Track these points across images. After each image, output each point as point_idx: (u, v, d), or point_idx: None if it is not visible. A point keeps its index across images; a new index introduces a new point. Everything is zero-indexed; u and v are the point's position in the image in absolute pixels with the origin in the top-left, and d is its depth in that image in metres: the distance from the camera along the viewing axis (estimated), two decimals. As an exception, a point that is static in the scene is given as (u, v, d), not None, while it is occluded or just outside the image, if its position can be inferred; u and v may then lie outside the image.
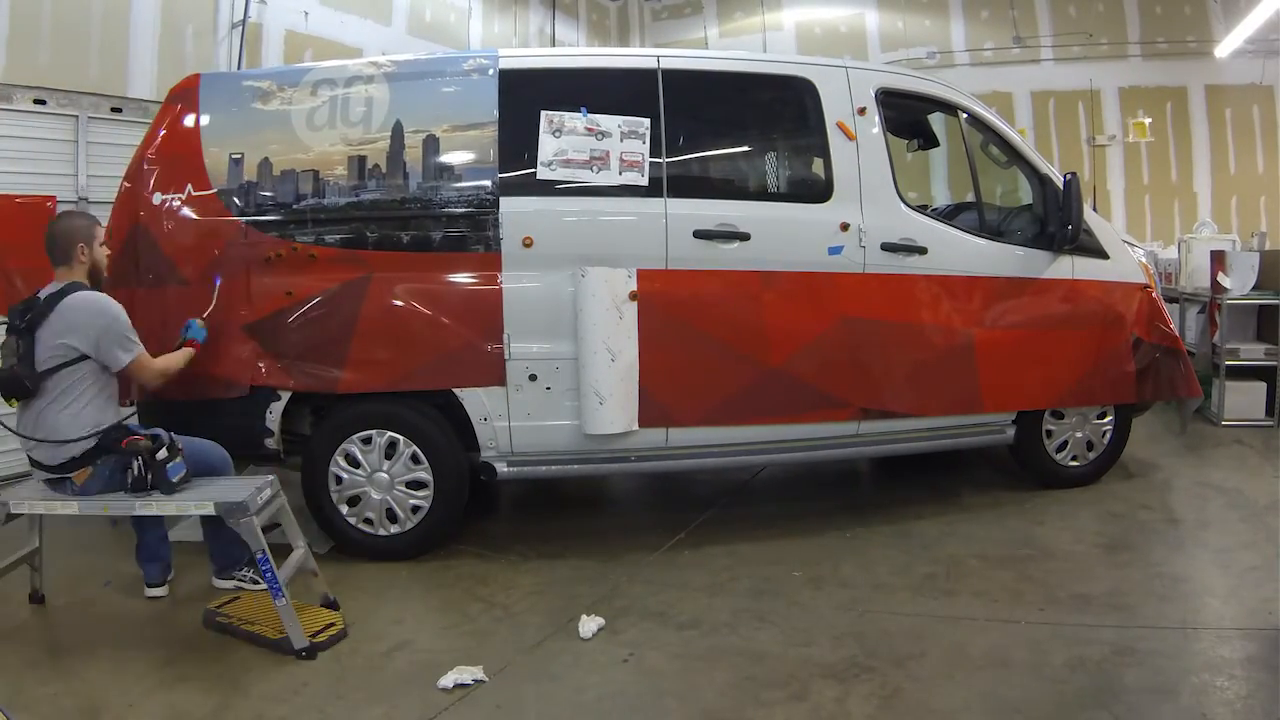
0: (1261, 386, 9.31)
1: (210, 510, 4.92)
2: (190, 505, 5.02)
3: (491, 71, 6.18)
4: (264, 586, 5.15)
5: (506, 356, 6.05)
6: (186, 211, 5.99)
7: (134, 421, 5.39)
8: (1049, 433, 7.16)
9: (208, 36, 9.50)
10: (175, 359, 5.43)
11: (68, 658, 4.79)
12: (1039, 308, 6.84)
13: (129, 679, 4.57)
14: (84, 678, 4.59)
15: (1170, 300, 9.65)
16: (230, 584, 5.61)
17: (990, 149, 7.11)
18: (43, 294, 5.14)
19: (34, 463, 5.19)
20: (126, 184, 6.14)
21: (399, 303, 6.01)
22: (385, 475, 6.09)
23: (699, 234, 6.17)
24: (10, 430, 5.19)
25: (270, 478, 5.25)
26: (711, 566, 5.98)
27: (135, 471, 4.98)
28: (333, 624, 5.04)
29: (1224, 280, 9.32)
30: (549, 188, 6.09)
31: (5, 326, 5.14)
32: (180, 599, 5.58)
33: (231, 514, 4.86)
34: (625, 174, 6.12)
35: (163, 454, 5.02)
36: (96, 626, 5.27)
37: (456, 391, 6.11)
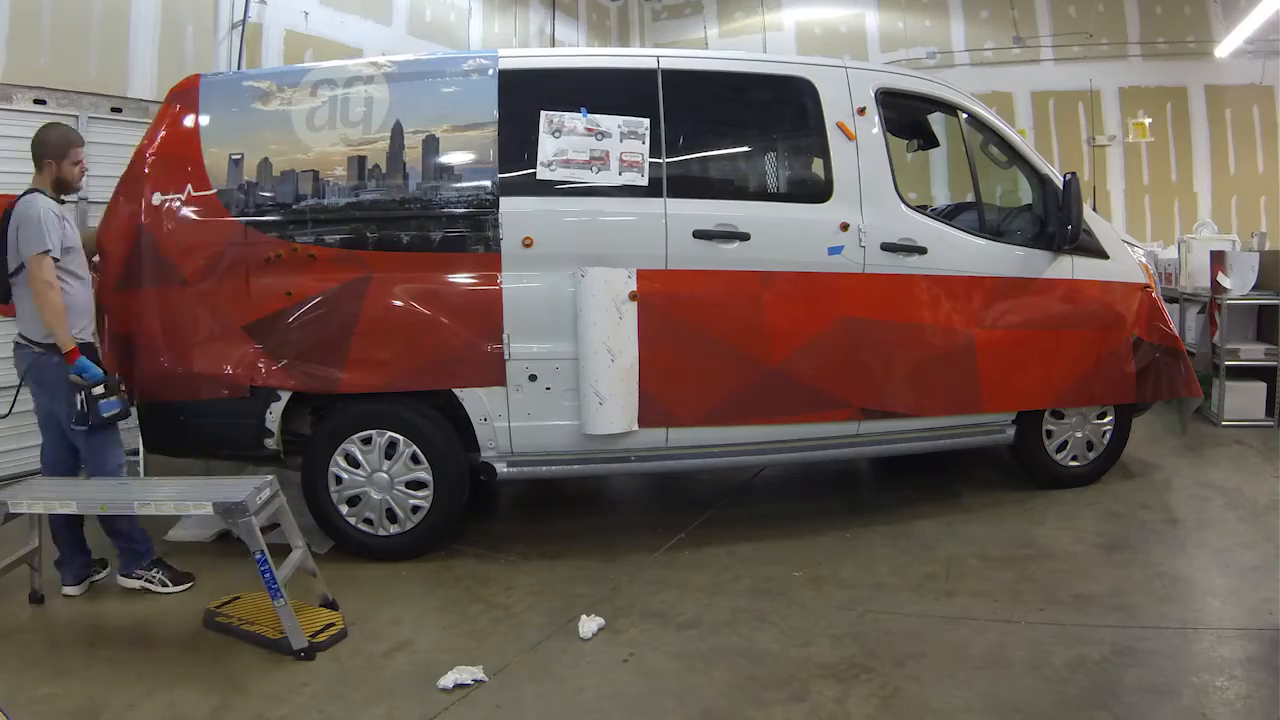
0: (1261, 386, 9.31)
1: (208, 510, 4.95)
2: (188, 505, 5.07)
3: (491, 72, 6.18)
4: (173, 589, 5.56)
5: (506, 356, 6.05)
6: (186, 212, 5.99)
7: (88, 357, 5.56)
8: (1049, 433, 7.16)
9: (208, 36, 9.49)
10: (54, 298, 5.37)
11: (67, 657, 4.79)
12: (1039, 308, 6.84)
13: (129, 679, 4.57)
14: (83, 678, 4.59)
15: (1170, 300, 9.65)
16: (136, 584, 5.67)
17: (990, 149, 7.11)
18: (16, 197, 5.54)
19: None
20: (125, 183, 6.14)
21: (399, 303, 6.01)
22: (385, 475, 6.09)
23: (699, 234, 6.17)
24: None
25: (269, 478, 5.25)
26: (711, 566, 5.98)
27: (79, 406, 5.35)
28: (332, 624, 5.04)
29: (1224, 280, 9.32)
30: (549, 188, 6.09)
31: None
32: (179, 599, 5.56)
33: (230, 514, 4.87)
34: (625, 174, 6.12)
35: (99, 390, 5.38)
36: (96, 626, 5.27)
37: (456, 391, 6.11)
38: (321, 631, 4.94)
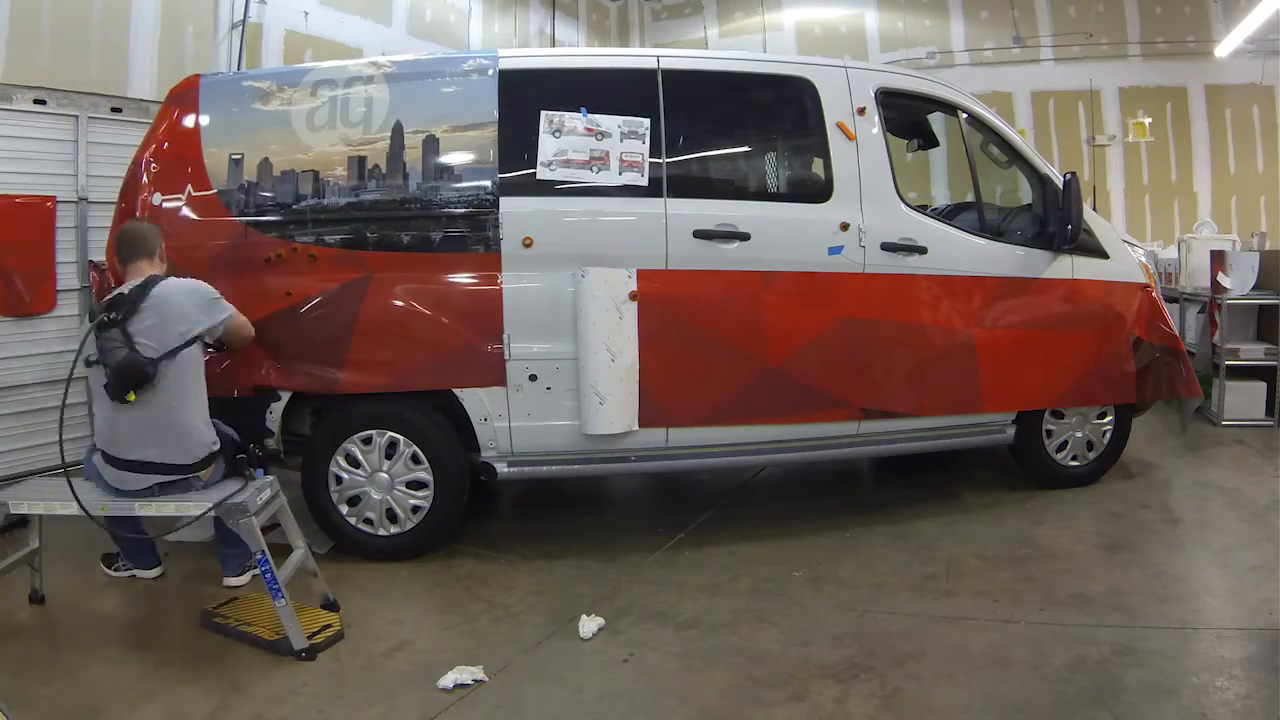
0: (1261, 386, 9.31)
1: (210, 511, 4.91)
2: (190, 506, 5.01)
3: (491, 72, 6.18)
4: (148, 574, 5.67)
5: (506, 357, 6.05)
6: (186, 212, 5.99)
7: None
8: (1049, 433, 7.16)
9: (208, 37, 9.49)
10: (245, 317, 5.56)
11: (67, 657, 4.79)
12: (1039, 307, 6.84)
13: (129, 679, 4.58)
14: (84, 678, 4.59)
15: (1170, 300, 9.65)
16: (245, 578, 5.63)
17: (990, 149, 7.11)
18: (126, 289, 5.15)
19: (139, 466, 5.03)
20: (127, 188, 6.14)
21: (399, 303, 6.01)
22: (385, 475, 6.10)
23: (699, 234, 6.17)
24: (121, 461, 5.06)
25: (270, 478, 5.26)
26: (711, 566, 5.98)
27: (248, 467, 5.22)
28: (329, 625, 5.04)
29: (1224, 280, 9.32)
30: (549, 188, 6.09)
31: (94, 324, 5.04)
32: (179, 598, 5.56)
33: (231, 514, 4.87)
34: (625, 174, 6.13)
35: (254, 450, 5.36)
36: (96, 626, 5.27)
37: (456, 392, 6.11)
38: (318, 632, 4.94)
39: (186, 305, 5.16)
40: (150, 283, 5.14)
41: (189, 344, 5.13)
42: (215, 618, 5.14)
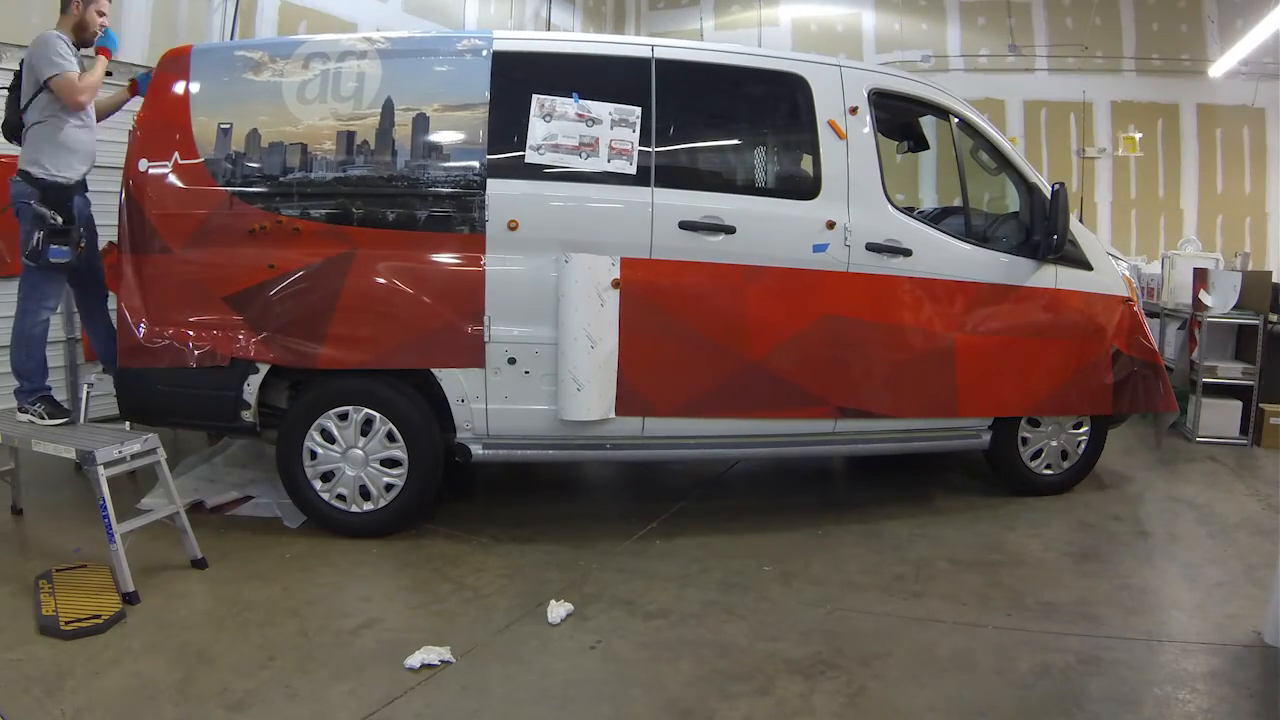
0: (1237, 405, 9.36)
1: (72, 455, 5.38)
2: (53, 446, 5.45)
3: (485, 53, 6.15)
4: (49, 422, 5.81)
5: (486, 339, 6.04)
6: (172, 179, 5.96)
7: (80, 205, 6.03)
8: (1024, 440, 7.18)
9: (202, 4, 9.45)
10: (92, 73, 5.90)
11: (31, 625, 4.74)
12: (1020, 315, 6.85)
13: (95, 647, 4.54)
14: (49, 643, 4.55)
15: (1151, 315, 9.69)
16: (24, 418, 5.87)
17: (980, 155, 7.11)
18: None
19: None
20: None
21: (381, 280, 5.99)
22: (360, 452, 6.08)
23: (684, 225, 6.16)
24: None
25: (147, 436, 5.48)
26: (682, 557, 5.99)
27: (35, 242, 5.69)
28: (98, 616, 4.77)
29: (1205, 298, 9.37)
30: (537, 171, 6.07)
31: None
32: (151, 571, 5.52)
33: (84, 461, 5.19)
34: (613, 161, 6.11)
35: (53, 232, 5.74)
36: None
37: (435, 371, 6.10)
38: (82, 620, 4.72)
39: (33, 54, 5.75)
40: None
41: (38, 93, 5.76)
42: (43, 579, 5.20)
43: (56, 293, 6.11)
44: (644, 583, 5.58)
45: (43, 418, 5.81)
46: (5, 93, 6.20)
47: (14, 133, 6.00)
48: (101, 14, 6.04)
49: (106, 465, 5.20)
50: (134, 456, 5.41)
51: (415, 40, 6.58)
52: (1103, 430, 7.38)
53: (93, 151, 6.07)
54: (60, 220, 5.72)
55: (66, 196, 5.83)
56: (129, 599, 4.94)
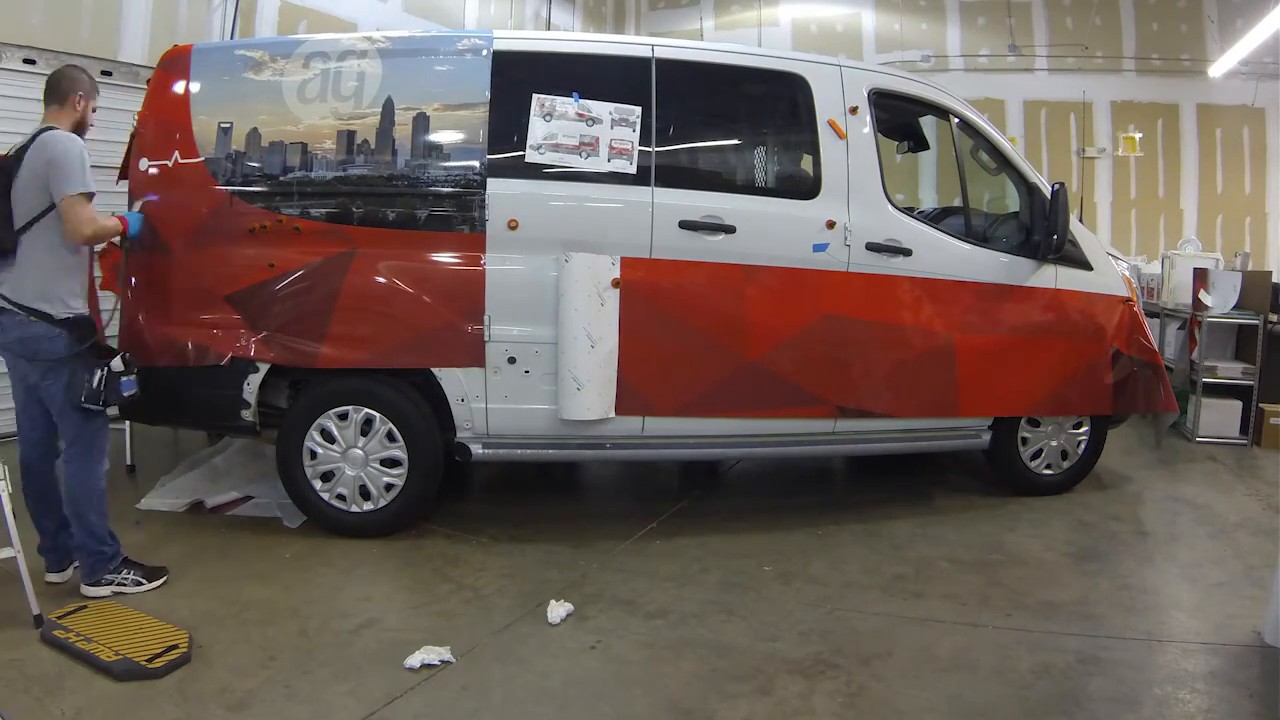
0: (1237, 405, 9.36)
1: None
2: None
3: (485, 52, 6.15)
4: (148, 586, 5.20)
5: (486, 338, 6.04)
6: (173, 178, 5.95)
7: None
8: (1024, 440, 7.18)
9: (202, 4, 9.45)
10: (107, 222, 5.19)
11: (30, 625, 4.74)
12: (1020, 315, 6.85)
13: (93, 644, 4.54)
14: (41, 655, 4.52)
15: (1151, 315, 9.70)
16: (105, 590, 5.18)
17: (980, 155, 7.10)
18: (22, 142, 5.02)
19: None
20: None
21: (381, 280, 5.99)
22: (360, 452, 6.08)
23: (684, 225, 6.16)
24: None
25: None
26: (682, 557, 5.99)
27: (97, 380, 4.97)
28: (175, 646, 4.53)
29: (1205, 298, 9.37)
30: (537, 171, 6.07)
31: None
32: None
33: None
34: (614, 161, 6.11)
35: (118, 365, 5.07)
36: (65, 594, 5.20)
37: (435, 371, 6.10)
38: (163, 653, 4.45)
39: (39, 158, 4.90)
40: (37, 134, 4.98)
41: (48, 210, 4.94)
42: (55, 630, 4.64)
43: (107, 433, 5.30)
44: (644, 583, 5.58)
45: (139, 583, 5.23)
46: None
47: (6, 248, 4.98)
48: (95, 109, 5.31)
49: None
50: None
51: (415, 40, 6.57)
52: (1103, 430, 7.38)
53: (89, 262, 5.42)
54: (106, 355, 5.09)
55: (91, 327, 5.13)
56: (36, 621, 4.67)
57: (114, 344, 5.54)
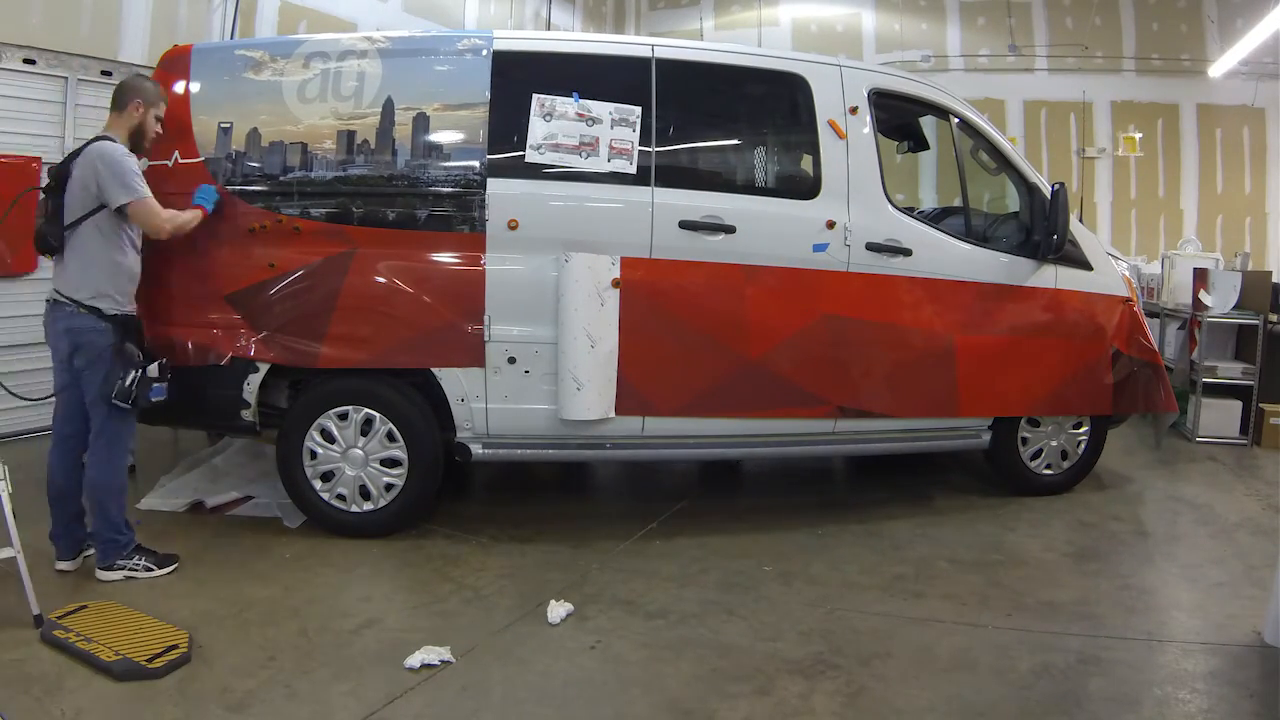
0: (1237, 405, 9.37)
1: None
2: None
3: (485, 52, 6.15)
4: (160, 572, 5.34)
5: (486, 338, 6.04)
6: (173, 178, 5.95)
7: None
8: (1024, 440, 7.18)
9: (202, 3, 9.44)
10: (183, 215, 5.54)
11: (30, 625, 4.74)
12: (1020, 315, 6.86)
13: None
14: (38, 655, 4.52)
15: (1151, 315, 9.71)
16: (118, 575, 5.34)
17: (980, 155, 7.10)
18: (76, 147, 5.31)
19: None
20: None
21: (381, 279, 5.99)
22: (360, 452, 6.08)
23: (684, 225, 6.16)
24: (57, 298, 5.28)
25: None
26: (682, 557, 5.99)
27: (130, 380, 5.18)
28: (176, 645, 4.51)
29: (1205, 298, 9.37)
30: (537, 171, 6.07)
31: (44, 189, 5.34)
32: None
33: None
34: (614, 161, 6.11)
35: (154, 370, 5.29)
36: (63, 594, 5.18)
37: (435, 371, 6.10)
38: (163, 653, 4.43)
39: (89, 165, 5.17)
40: (91, 141, 5.27)
41: (93, 213, 5.20)
42: (55, 630, 4.62)
43: (133, 430, 5.60)
44: (644, 583, 5.58)
45: (150, 569, 5.38)
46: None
47: (51, 244, 5.29)
48: (159, 119, 5.58)
49: None
50: None
51: (415, 40, 6.57)
52: (1103, 430, 7.38)
53: (138, 269, 5.56)
54: (143, 357, 5.30)
55: (139, 329, 5.47)
56: (36, 621, 4.67)
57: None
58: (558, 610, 5.04)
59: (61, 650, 4.50)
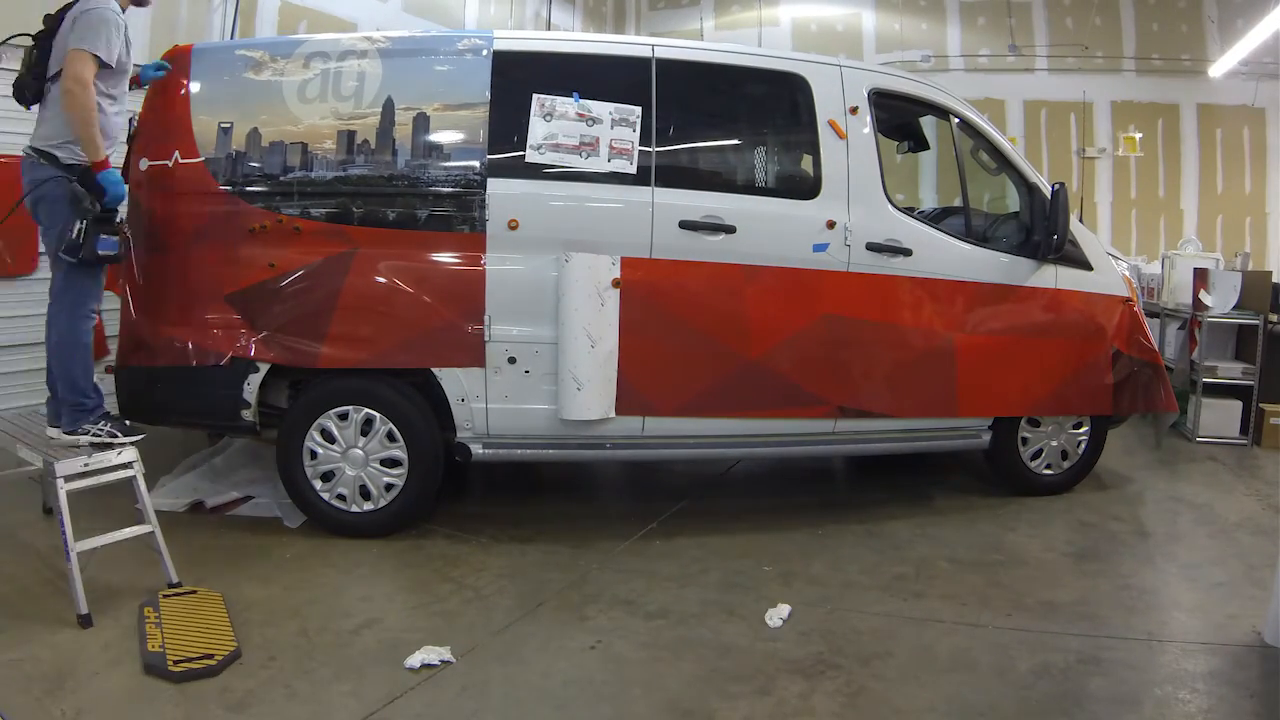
0: (1237, 405, 9.36)
1: (38, 463, 5.07)
2: (31, 454, 5.15)
3: (485, 52, 6.15)
4: (124, 440, 5.25)
5: (486, 338, 6.04)
6: (173, 178, 5.95)
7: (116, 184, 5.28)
8: (1024, 440, 7.18)
9: (202, 4, 9.44)
10: (91, 98, 5.08)
11: (31, 625, 4.74)
12: (1020, 315, 6.86)
13: (93, 647, 4.55)
14: (50, 643, 4.55)
15: (1151, 315, 9.70)
16: (83, 439, 5.22)
17: (980, 155, 7.10)
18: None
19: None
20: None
21: (381, 279, 5.98)
22: (360, 452, 6.08)
23: (685, 225, 6.16)
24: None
25: (124, 448, 5.18)
26: (682, 557, 5.99)
27: (75, 231, 5.04)
28: (211, 655, 4.43)
29: (1206, 298, 9.37)
30: (537, 171, 6.07)
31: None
32: (144, 566, 5.51)
33: (47, 472, 4.90)
34: (614, 161, 6.11)
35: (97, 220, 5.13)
36: (58, 596, 5.18)
37: (435, 371, 6.10)
38: (194, 660, 4.38)
39: (77, 20, 5.11)
40: (75, 3, 5.22)
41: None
42: (147, 606, 4.88)
43: (99, 292, 5.37)
44: (644, 583, 5.58)
45: (115, 436, 5.25)
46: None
47: (27, 95, 5.32)
48: None
49: (68, 479, 4.86)
50: (103, 470, 5.02)
51: (416, 40, 6.57)
52: (1103, 430, 7.37)
53: (120, 132, 5.54)
54: (100, 206, 5.11)
55: (95, 183, 5.18)
56: (83, 621, 4.70)
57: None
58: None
59: (138, 624, 4.70)
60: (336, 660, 4.52)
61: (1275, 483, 7.93)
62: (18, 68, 5.53)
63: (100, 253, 5.10)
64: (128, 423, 5.46)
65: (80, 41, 5.03)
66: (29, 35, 5.35)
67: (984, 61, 15.98)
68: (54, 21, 5.22)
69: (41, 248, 7.56)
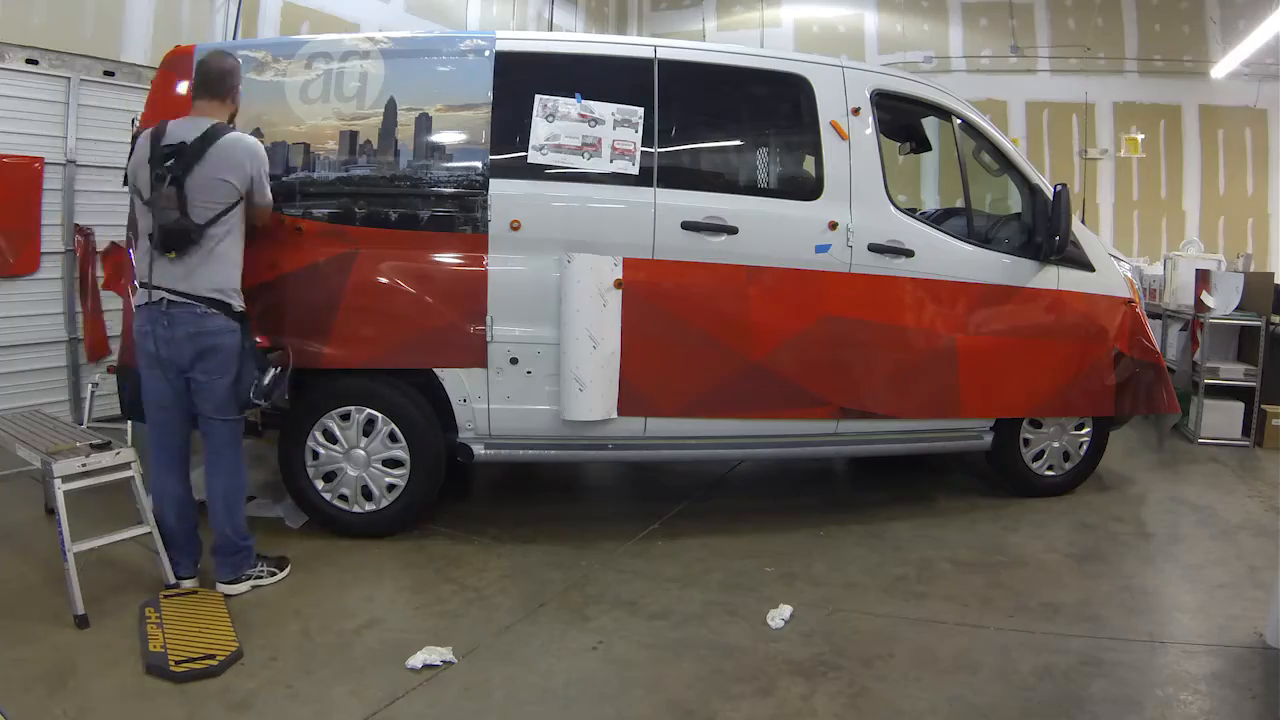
0: (1239, 406, 9.35)
1: (37, 463, 5.05)
2: (31, 454, 5.12)
3: (488, 53, 6.15)
4: (281, 576, 5.36)
5: (489, 339, 6.04)
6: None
7: None
8: (1026, 441, 7.18)
9: (204, 4, 9.44)
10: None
11: (33, 625, 4.75)
12: (1022, 316, 6.85)
13: (95, 647, 4.56)
14: (52, 643, 4.56)
15: (1153, 316, 9.69)
16: (244, 587, 5.26)
17: (982, 156, 7.10)
18: (188, 137, 4.94)
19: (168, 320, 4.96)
20: None
21: (383, 280, 5.99)
22: (362, 452, 6.08)
23: (687, 225, 6.16)
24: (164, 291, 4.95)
25: (120, 450, 5.11)
26: (684, 558, 5.99)
27: (270, 378, 5.16)
28: (213, 655, 4.44)
29: (1208, 299, 9.36)
30: (539, 172, 6.07)
31: (154, 174, 4.92)
32: (134, 572, 5.51)
33: (45, 472, 4.88)
34: (616, 162, 6.11)
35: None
36: (61, 596, 5.17)
37: (437, 371, 6.10)
38: (196, 660, 4.38)
39: (241, 162, 5.02)
40: (213, 134, 4.98)
41: (233, 207, 5.04)
42: (149, 606, 4.91)
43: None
44: (646, 583, 5.58)
45: (273, 573, 5.39)
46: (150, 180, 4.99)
47: (175, 244, 4.89)
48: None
49: (66, 479, 4.84)
50: (101, 471, 4.98)
51: (418, 40, 6.57)
52: (1105, 431, 7.37)
53: None
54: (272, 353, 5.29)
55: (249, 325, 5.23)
56: (79, 622, 4.73)
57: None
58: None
59: (139, 625, 4.71)
60: (338, 660, 4.53)
61: (1277, 484, 7.92)
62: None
63: (284, 394, 5.30)
64: (281, 556, 5.60)
65: (264, 197, 5.24)
66: (163, 174, 4.91)
67: (986, 62, 15.96)
68: (191, 156, 4.91)
69: (44, 246, 7.61)
